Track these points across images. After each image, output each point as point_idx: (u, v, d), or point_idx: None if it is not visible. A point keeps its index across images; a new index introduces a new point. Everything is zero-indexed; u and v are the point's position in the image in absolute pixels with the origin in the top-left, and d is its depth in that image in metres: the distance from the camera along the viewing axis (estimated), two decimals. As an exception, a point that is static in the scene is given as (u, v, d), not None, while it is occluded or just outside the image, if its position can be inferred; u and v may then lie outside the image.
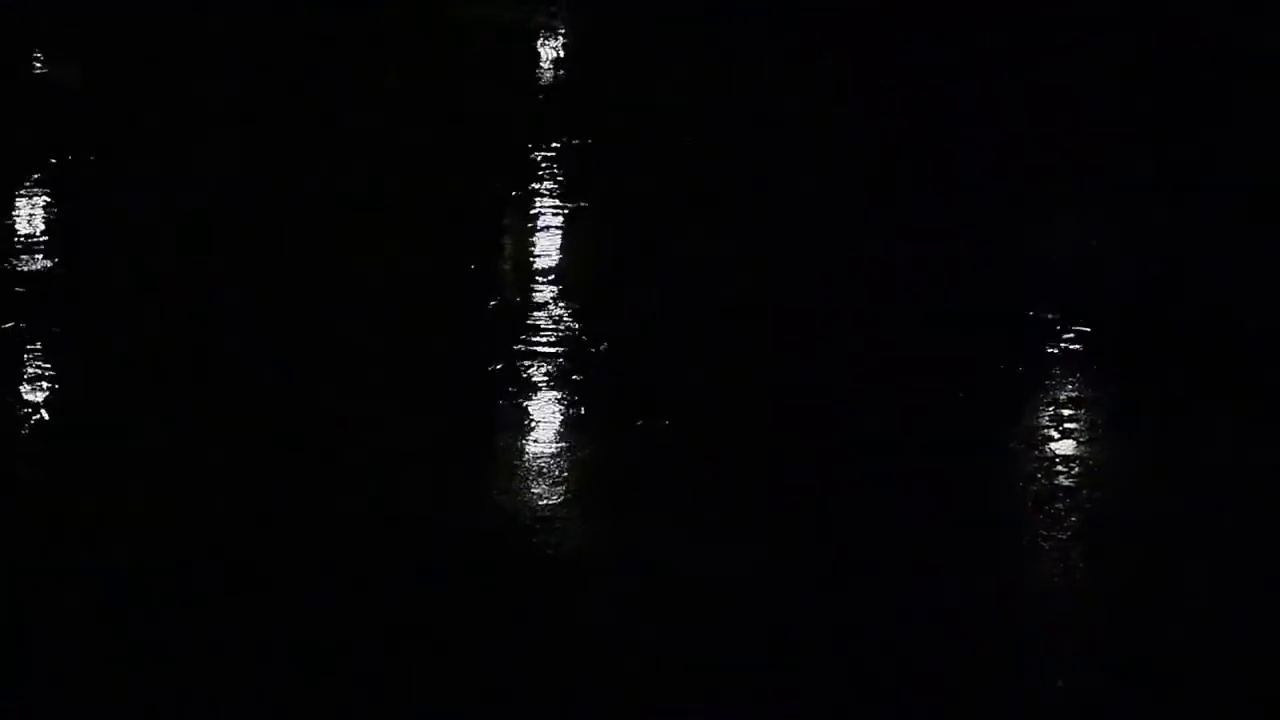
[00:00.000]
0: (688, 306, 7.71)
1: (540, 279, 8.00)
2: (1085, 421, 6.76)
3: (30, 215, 8.62)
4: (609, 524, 6.08)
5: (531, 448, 6.53)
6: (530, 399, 6.87)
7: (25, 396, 6.85)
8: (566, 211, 8.71)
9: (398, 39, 11.59)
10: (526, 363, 7.11)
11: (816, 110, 10.15)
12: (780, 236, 8.41)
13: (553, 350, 7.21)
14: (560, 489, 6.22)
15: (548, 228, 8.55)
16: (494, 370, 7.08)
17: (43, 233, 8.41)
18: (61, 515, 6.02)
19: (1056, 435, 6.64)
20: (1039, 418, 6.78)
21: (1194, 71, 10.79)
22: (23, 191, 8.86)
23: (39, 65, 11.26)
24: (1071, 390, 7.01)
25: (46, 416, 6.73)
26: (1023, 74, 10.94)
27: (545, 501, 6.14)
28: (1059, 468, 6.40)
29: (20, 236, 8.30)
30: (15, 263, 8.01)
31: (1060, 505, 6.16)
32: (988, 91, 10.49)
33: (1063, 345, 7.35)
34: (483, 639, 5.45)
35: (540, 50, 11.50)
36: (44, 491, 6.22)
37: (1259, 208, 8.74)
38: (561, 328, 7.44)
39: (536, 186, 8.98)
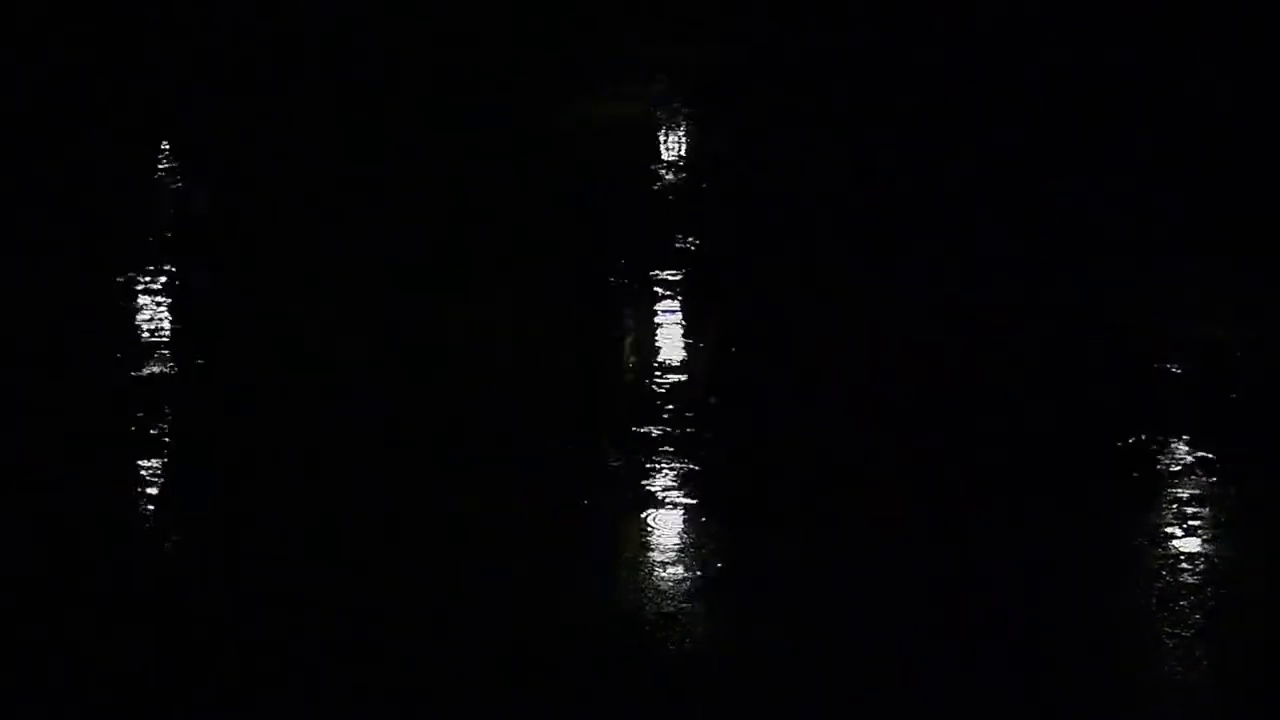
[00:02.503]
0: (824, 402, 7.74)
1: (668, 371, 8.06)
2: (1209, 519, 6.77)
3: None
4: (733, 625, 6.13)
5: (656, 542, 6.57)
6: (657, 491, 6.91)
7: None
8: (695, 303, 8.78)
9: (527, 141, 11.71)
10: (653, 454, 7.16)
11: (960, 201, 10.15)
12: (912, 334, 8.43)
13: (679, 443, 7.26)
14: (684, 586, 6.24)
15: (676, 320, 8.60)
16: (617, 463, 7.15)
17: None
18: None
19: (1181, 532, 6.65)
20: (1163, 513, 6.77)
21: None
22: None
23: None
24: (1195, 488, 7.03)
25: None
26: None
27: (669, 599, 6.18)
28: (1184, 564, 6.40)
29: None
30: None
31: (1184, 602, 6.15)
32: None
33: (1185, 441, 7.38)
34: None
35: (666, 145, 11.58)
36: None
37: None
38: (690, 420, 7.49)
39: (665, 277, 9.07)
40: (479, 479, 6.98)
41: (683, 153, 11.48)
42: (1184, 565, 6.34)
